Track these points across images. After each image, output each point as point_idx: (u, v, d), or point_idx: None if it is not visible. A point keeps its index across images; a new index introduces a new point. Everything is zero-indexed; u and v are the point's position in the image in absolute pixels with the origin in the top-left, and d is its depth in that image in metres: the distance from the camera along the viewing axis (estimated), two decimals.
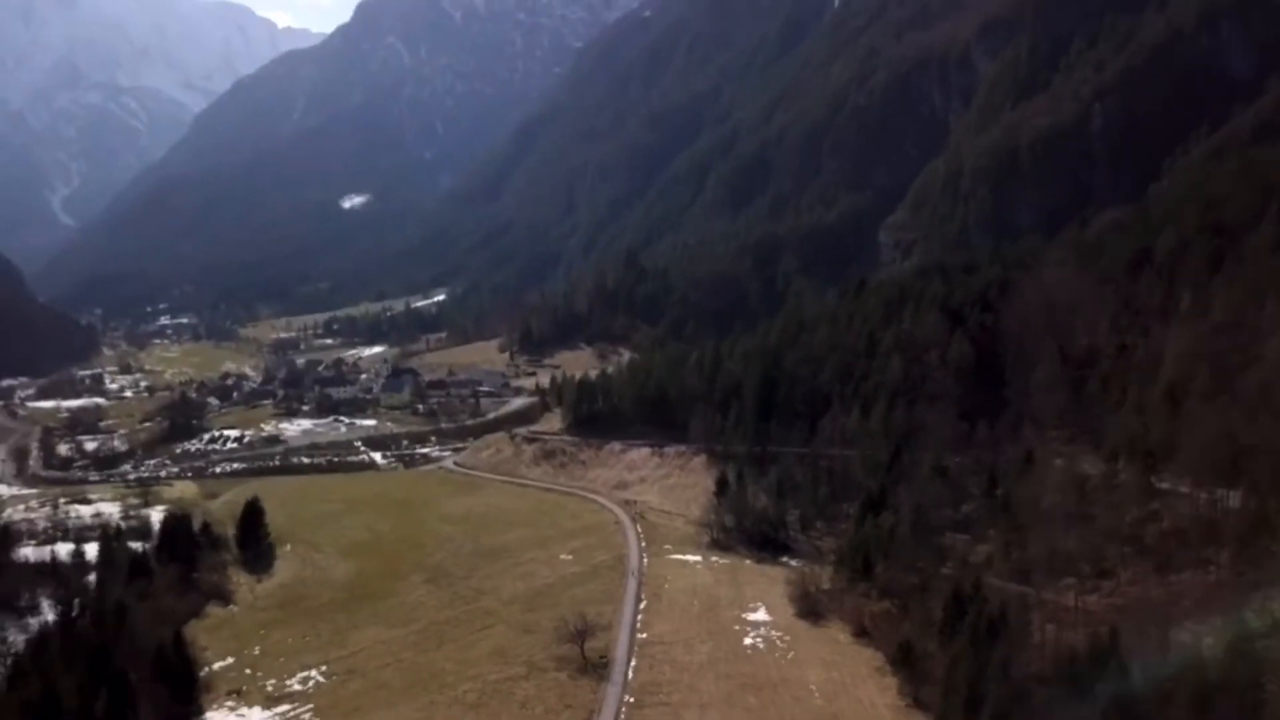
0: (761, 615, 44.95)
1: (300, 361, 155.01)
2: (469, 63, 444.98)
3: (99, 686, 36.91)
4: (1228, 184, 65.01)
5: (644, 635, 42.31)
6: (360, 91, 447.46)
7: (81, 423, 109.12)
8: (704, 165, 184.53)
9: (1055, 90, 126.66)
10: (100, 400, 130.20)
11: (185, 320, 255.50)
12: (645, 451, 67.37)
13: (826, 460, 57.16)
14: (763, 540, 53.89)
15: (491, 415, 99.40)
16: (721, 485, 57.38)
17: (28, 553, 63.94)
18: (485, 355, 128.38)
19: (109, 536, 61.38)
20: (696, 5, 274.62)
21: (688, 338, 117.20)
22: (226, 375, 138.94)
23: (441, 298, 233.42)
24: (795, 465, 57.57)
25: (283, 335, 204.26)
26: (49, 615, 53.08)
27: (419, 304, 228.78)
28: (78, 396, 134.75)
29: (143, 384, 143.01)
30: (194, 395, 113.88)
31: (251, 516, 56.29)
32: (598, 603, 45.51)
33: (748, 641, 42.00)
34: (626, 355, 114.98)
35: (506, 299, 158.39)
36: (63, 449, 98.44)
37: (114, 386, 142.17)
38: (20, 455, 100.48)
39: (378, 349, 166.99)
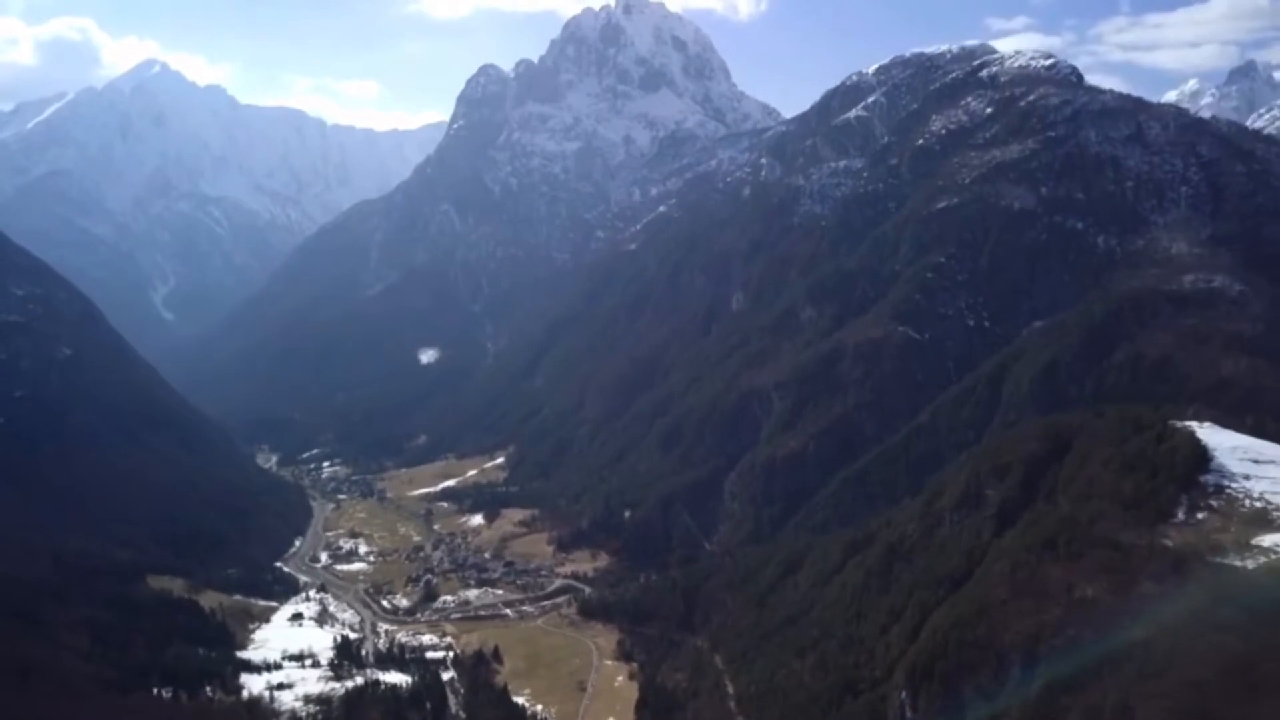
0: (622, 678, 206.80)
1: (440, 530, 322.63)
2: (505, 230, 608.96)
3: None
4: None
5: (593, 683, 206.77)
6: (423, 251, 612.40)
7: (377, 585, 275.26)
8: (652, 413, 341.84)
9: (797, 430, 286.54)
10: (364, 565, 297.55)
11: (339, 468, 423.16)
12: (602, 625, 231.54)
13: (655, 637, 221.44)
14: (629, 658, 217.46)
15: (549, 589, 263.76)
16: (620, 641, 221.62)
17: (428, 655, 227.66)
18: (540, 546, 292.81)
19: (454, 649, 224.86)
20: (663, 265, 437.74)
21: (629, 551, 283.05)
22: (419, 548, 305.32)
23: (501, 461, 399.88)
24: (641, 637, 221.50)
25: (412, 494, 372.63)
26: (448, 674, 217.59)
27: (487, 466, 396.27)
28: (349, 561, 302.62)
29: (375, 549, 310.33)
30: (422, 573, 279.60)
31: (496, 648, 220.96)
32: (585, 674, 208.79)
33: (616, 685, 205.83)
34: (605, 557, 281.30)
35: (550, 508, 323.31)
36: (384, 603, 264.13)
37: (362, 551, 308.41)
38: (364, 605, 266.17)
39: (479, 518, 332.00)
